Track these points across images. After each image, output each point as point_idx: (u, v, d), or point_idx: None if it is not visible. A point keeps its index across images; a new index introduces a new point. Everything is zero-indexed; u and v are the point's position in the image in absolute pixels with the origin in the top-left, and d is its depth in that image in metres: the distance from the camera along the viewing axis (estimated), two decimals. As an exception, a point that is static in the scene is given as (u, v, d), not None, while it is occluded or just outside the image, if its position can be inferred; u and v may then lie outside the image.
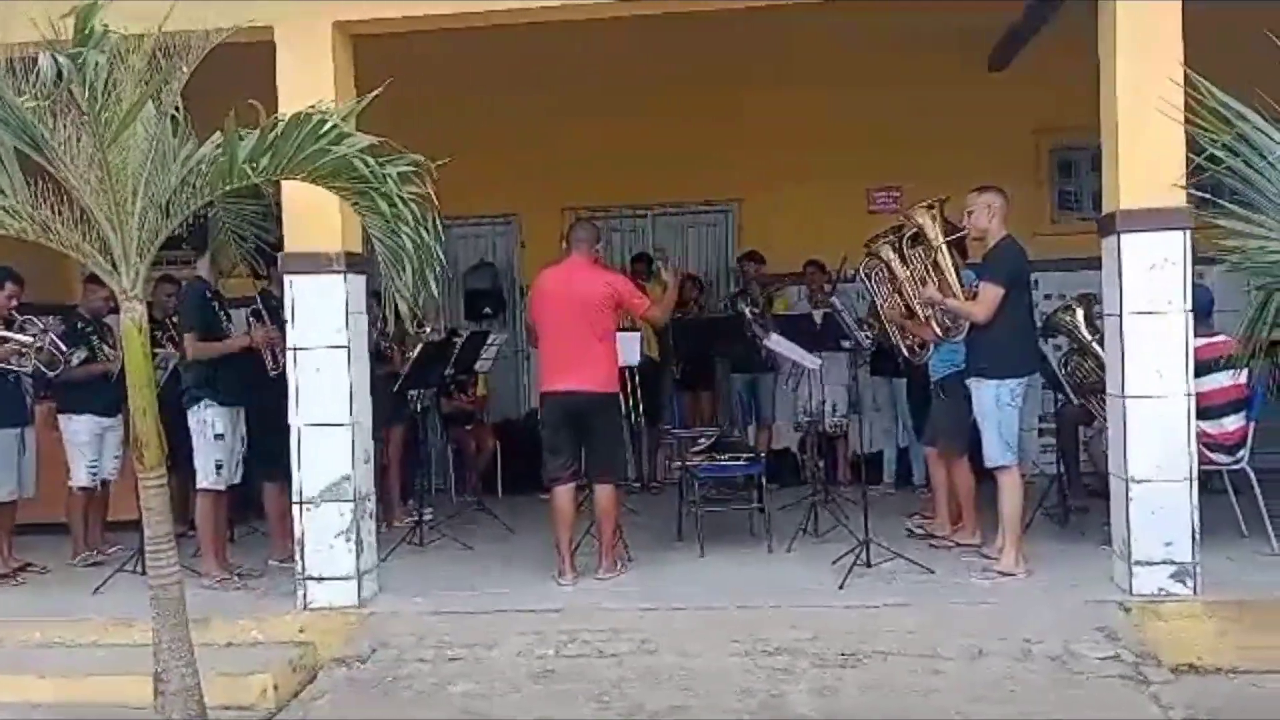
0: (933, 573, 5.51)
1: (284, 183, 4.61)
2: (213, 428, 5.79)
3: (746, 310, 7.64)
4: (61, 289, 8.07)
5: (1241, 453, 5.81)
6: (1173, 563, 4.87)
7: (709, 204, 9.34)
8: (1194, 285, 4.91)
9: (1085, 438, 6.72)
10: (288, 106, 4.41)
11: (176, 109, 4.00)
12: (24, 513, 6.53)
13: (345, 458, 5.28)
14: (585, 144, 8.46)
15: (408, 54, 5.82)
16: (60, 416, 6.56)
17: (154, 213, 3.98)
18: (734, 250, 9.13)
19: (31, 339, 6.22)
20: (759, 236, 8.79)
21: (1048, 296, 7.66)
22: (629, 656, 4.73)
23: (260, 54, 5.08)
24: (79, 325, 6.57)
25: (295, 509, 5.34)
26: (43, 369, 6.28)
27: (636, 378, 7.62)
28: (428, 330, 7.18)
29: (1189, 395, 4.87)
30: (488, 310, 9.41)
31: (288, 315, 5.32)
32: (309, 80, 5.04)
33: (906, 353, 6.23)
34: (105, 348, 6.51)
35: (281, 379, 5.42)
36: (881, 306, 6.23)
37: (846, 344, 6.57)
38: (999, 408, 5.42)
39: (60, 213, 3.93)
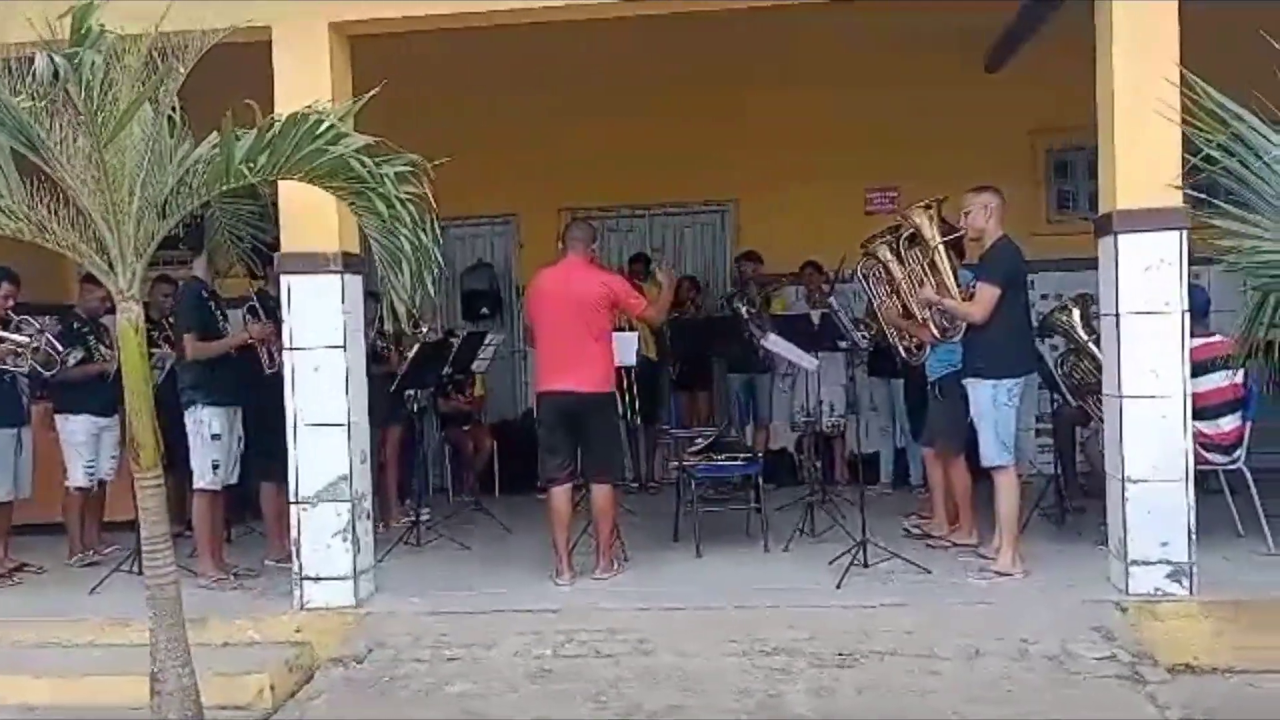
0: (930, 573, 5.52)
1: (281, 183, 4.61)
2: (209, 428, 5.79)
3: (743, 310, 7.64)
4: (58, 289, 8.06)
5: (1238, 453, 5.82)
6: (1169, 563, 4.88)
7: (706, 204, 9.34)
8: (1190, 285, 4.92)
9: (1082, 438, 6.72)
10: (285, 107, 4.41)
11: (173, 109, 4.00)
12: (20, 513, 6.53)
13: (342, 458, 5.28)
14: (583, 144, 8.46)
15: (405, 54, 5.83)
16: (57, 417, 6.55)
17: (151, 213, 3.98)
18: (731, 250, 9.13)
19: (28, 339, 6.22)
20: (756, 237, 8.79)
21: (1044, 297, 7.68)
22: (626, 656, 4.73)
23: (257, 54, 5.08)
24: (75, 325, 6.57)
25: (292, 509, 5.33)
26: (39, 369, 6.27)
27: (633, 378, 7.62)
28: (424, 330, 7.18)
29: (1185, 395, 4.87)
30: (485, 310, 9.42)
31: (284, 315, 5.32)
32: (306, 80, 5.04)
33: (904, 353, 6.24)
34: (102, 348, 6.50)
35: (278, 379, 5.41)
36: (879, 307, 6.24)
37: (844, 344, 6.58)
38: (996, 408, 5.43)
39: (57, 213, 3.93)
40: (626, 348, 6.39)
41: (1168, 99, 4.12)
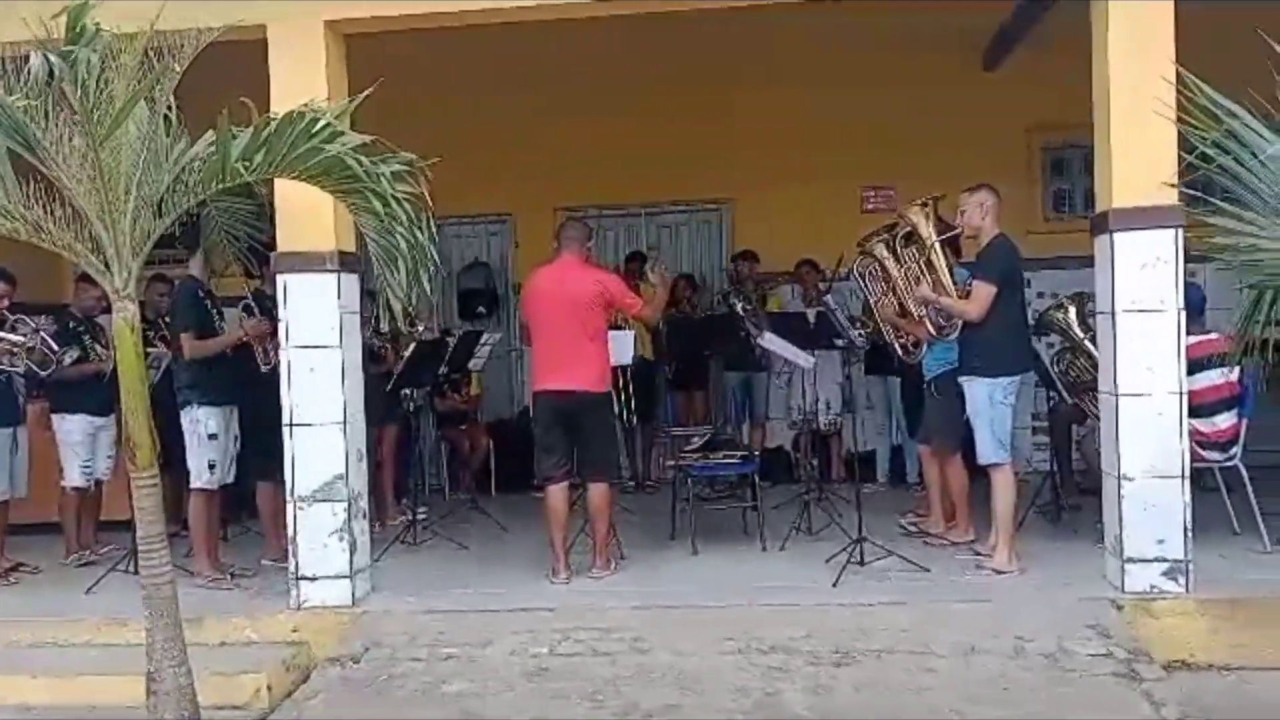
0: (926, 571, 5.52)
1: (277, 181, 4.60)
2: (206, 427, 5.77)
3: (739, 306, 7.64)
4: (54, 288, 8.04)
5: (1234, 450, 5.83)
6: (1165, 560, 4.88)
7: (703, 203, 9.34)
8: (1186, 283, 4.92)
9: (1078, 435, 6.73)
10: (280, 106, 4.41)
11: (169, 108, 3.99)
12: (16, 513, 6.51)
13: (339, 457, 5.28)
14: (579, 143, 8.46)
15: (401, 53, 5.82)
16: (54, 416, 6.54)
17: (147, 212, 3.97)
18: (727, 249, 9.14)
19: (23, 339, 6.21)
20: (753, 236, 8.79)
21: (1040, 295, 7.69)
22: (623, 655, 4.73)
23: (253, 53, 5.07)
24: (71, 325, 6.55)
25: (288, 508, 5.33)
26: (35, 368, 6.27)
27: (629, 377, 7.62)
28: (421, 329, 7.18)
29: (1182, 393, 4.88)
30: (481, 309, 9.42)
31: (281, 314, 5.31)
32: (302, 79, 5.03)
33: (900, 351, 6.24)
34: (98, 347, 6.49)
35: (274, 378, 5.41)
36: (875, 305, 6.24)
37: (840, 342, 6.59)
38: (992, 406, 5.43)
39: (52, 212, 3.93)
40: (624, 346, 6.39)
41: (1164, 97, 4.13)
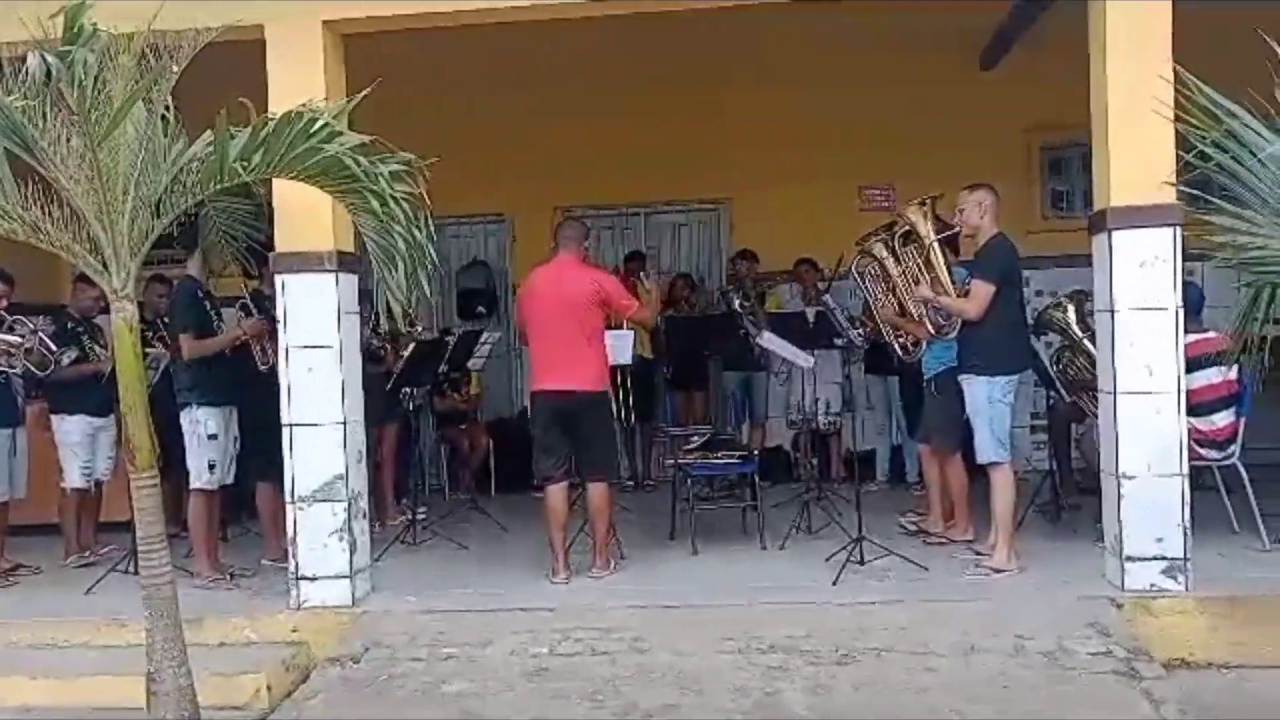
0: (926, 570, 5.52)
1: (275, 181, 4.60)
2: (205, 428, 5.77)
3: (736, 302, 7.64)
4: (52, 289, 8.04)
5: (1232, 448, 5.83)
6: (1164, 558, 4.88)
7: (701, 202, 9.34)
8: (1184, 282, 4.93)
9: (1077, 434, 6.73)
10: (278, 106, 4.41)
11: (167, 108, 3.99)
12: (16, 514, 6.50)
13: (338, 457, 5.27)
14: (577, 143, 8.46)
15: (399, 53, 5.82)
16: (53, 417, 6.53)
17: (145, 212, 3.97)
18: (727, 249, 9.14)
19: (21, 339, 6.20)
20: (752, 235, 8.79)
21: (1039, 293, 7.70)
22: (623, 655, 4.73)
23: (251, 53, 5.07)
24: (69, 325, 6.55)
25: (288, 508, 5.33)
26: (33, 369, 6.26)
27: (629, 376, 7.62)
28: (419, 329, 7.18)
29: (1180, 391, 4.88)
30: (480, 309, 9.42)
31: (279, 315, 5.31)
32: (300, 79, 5.03)
33: (900, 351, 6.24)
34: (96, 348, 6.49)
35: (273, 378, 5.40)
36: (875, 304, 6.24)
37: (839, 342, 6.58)
38: (991, 404, 5.43)
39: (50, 213, 3.93)
40: (623, 346, 6.39)
41: (1161, 96, 4.13)
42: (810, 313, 7.33)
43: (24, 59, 3.59)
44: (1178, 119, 3.58)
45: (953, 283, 5.73)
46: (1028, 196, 8.63)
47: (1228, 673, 4.60)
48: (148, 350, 5.71)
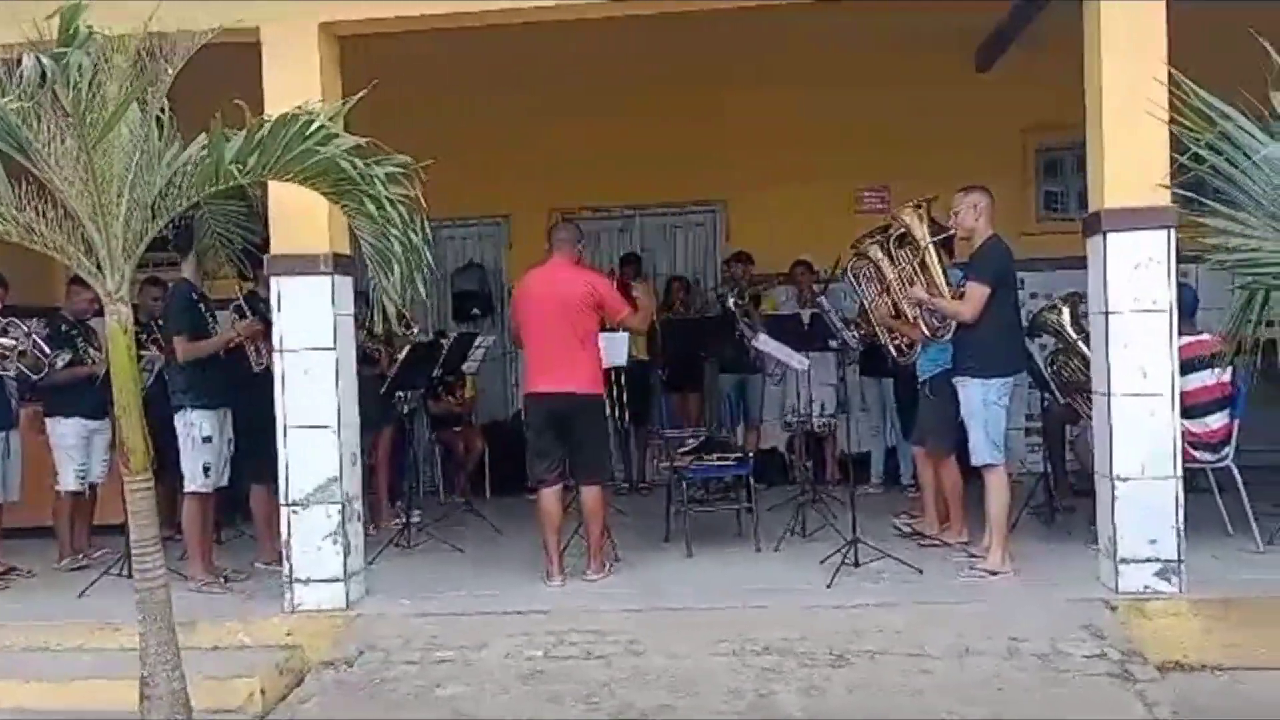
0: (920, 572, 5.53)
1: (271, 184, 4.60)
2: (200, 430, 5.76)
3: (731, 301, 7.66)
4: (46, 292, 8.02)
5: (1226, 450, 5.84)
6: (1158, 560, 4.89)
7: (697, 204, 9.34)
8: (1178, 284, 4.94)
9: (1071, 436, 6.74)
10: (274, 108, 4.41)
11: (162, 110, 3.99)
12: (9, 516, 6.49)
13: (333, 460, 5.27)
14: (573, 145, 8.46)
15: (394, 55, 5.82)
16: (48, 420, 6.52)
17: (139, 214, 3.97)
18: (722, 251, 9.14)
19: (15, 342, 6.19)
20: (747, 237, 8.79)
21: (1034, 296, 7.70)
22: (617, 657, 4.72)
23: (246, 55, 5.06)
24: (63, 328, 6.53)
25: (282, 511, 5.32)
26: (27, 372, 6.25)
27: (624, 378, 7.62)
28: (415, 331, 7.17)
29: (1174, 394, 4.89)
30: (476, 311, 9.42)
31: (274, 317, 5.30)
32: (295, 81, 5.03)
33: (895, 353, 6.25)
34: (90, 350, 6.47)
35: (268, 381, 5.40)
36: (870, 306, 6.25)
37: (834, 344, 6.59)
38: (986, 407, 5.44)
39: (44, 215, 3.92)
40: (617, 348, 6.39)
41: (1156, 98, 4.14)
42: (805, 315, 7.35)
43: (19, 60, 3.58)
44: (1173, 121, 3.59)
45: (948, 285, 5.74)
46: (1022, 198, 8.65)
47: (1221, 675, 4.60)
48: (142, 353, 5.70)
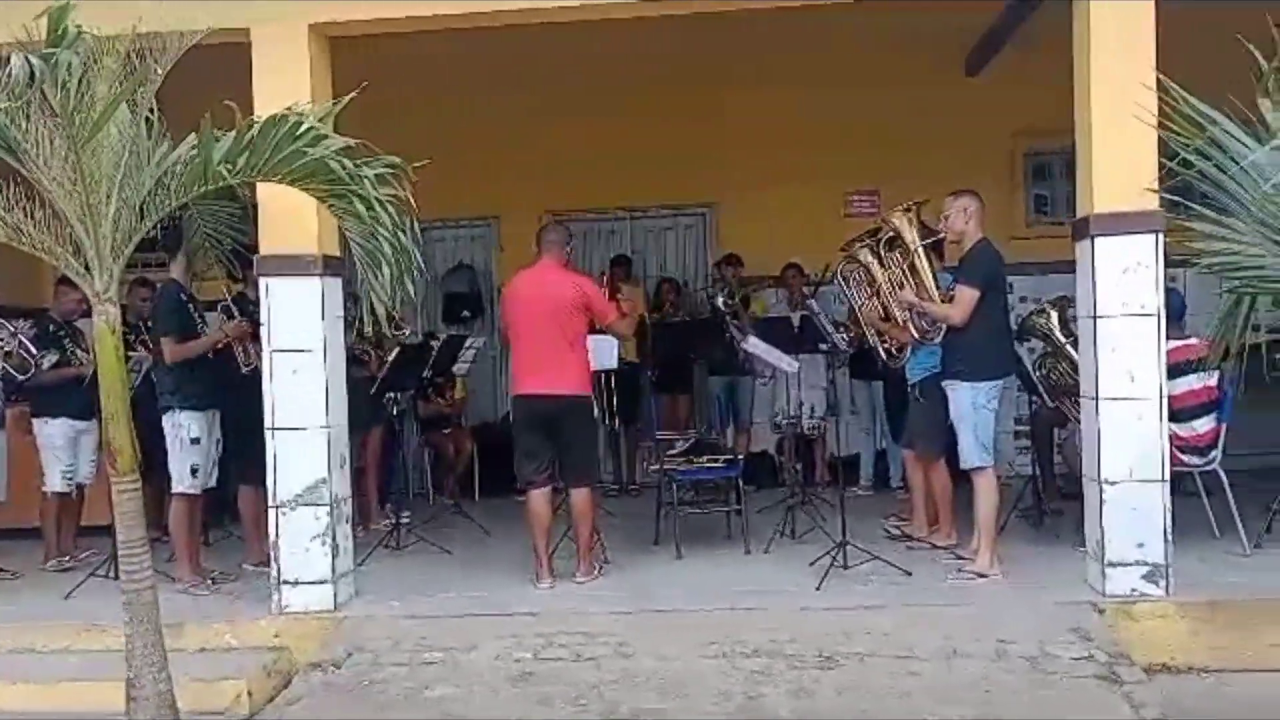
0: (909, 574, 5.54)
1: (260, 184, 4.59)
2: (188, 431, 5.74)
3: (721, 301, 7.65)
4: (33, 292, 7.98)
5: (1213, 454, 5.86)
6: (1145, 564, 4.91)
7: (688, 207, 9.35)
8: (1166, 288, 4.96)
9: (1059, 440, 6.76)
10: (264, 109, 4.39)
11: (151, 110, 3.98)
12: (-5, 517, 6.48)
13: (321, 461, 5.25)
14: (563, 147, 8.46)
15: (384, 56, 5.81)
16: (35, 420, 6.49)
17: (128, 214, 3.96)
18: (712, 253, 9.15)
19: (1, 342, 6.16)
20: (737, 239, 8.80)
21: (1023, 299, 7.72)
22: (606, 659, 4.72)
23: (237, 56, 5.05)
24: (50, 328, 6.50)
25: (270, 512, 5.30)
26: (13, 372, 6.22)
27: (614, 380, 7.61)
28: (406, 332, 7.16)
29: (1162, 397, 4.91)
30: (466, 313, 9.40)
31: (264, 318, 5.28)
32: (285, 82, 5.01)
33: (885, 356, 6.26)
34: (78, 351, 6.45)
35: (256, 381, 5.38)
36: (859, 309, 6.25)
37: (824, 346, 6.60)
38: (975, 410, 5.45)
39: (32, 215, 3.91)
40: (607, 351, 6.38)
41: (1145, 103, 4.16)
42: (795, 317, 7.36)
43: (7, 60, 3.57)
44: (1161, 126, 3.61)
45: (937, 288, 5.76)
46: (1012, 202, 8.67)
47: (1208, 677, 4.62)
48: (130, 354, 5.68)
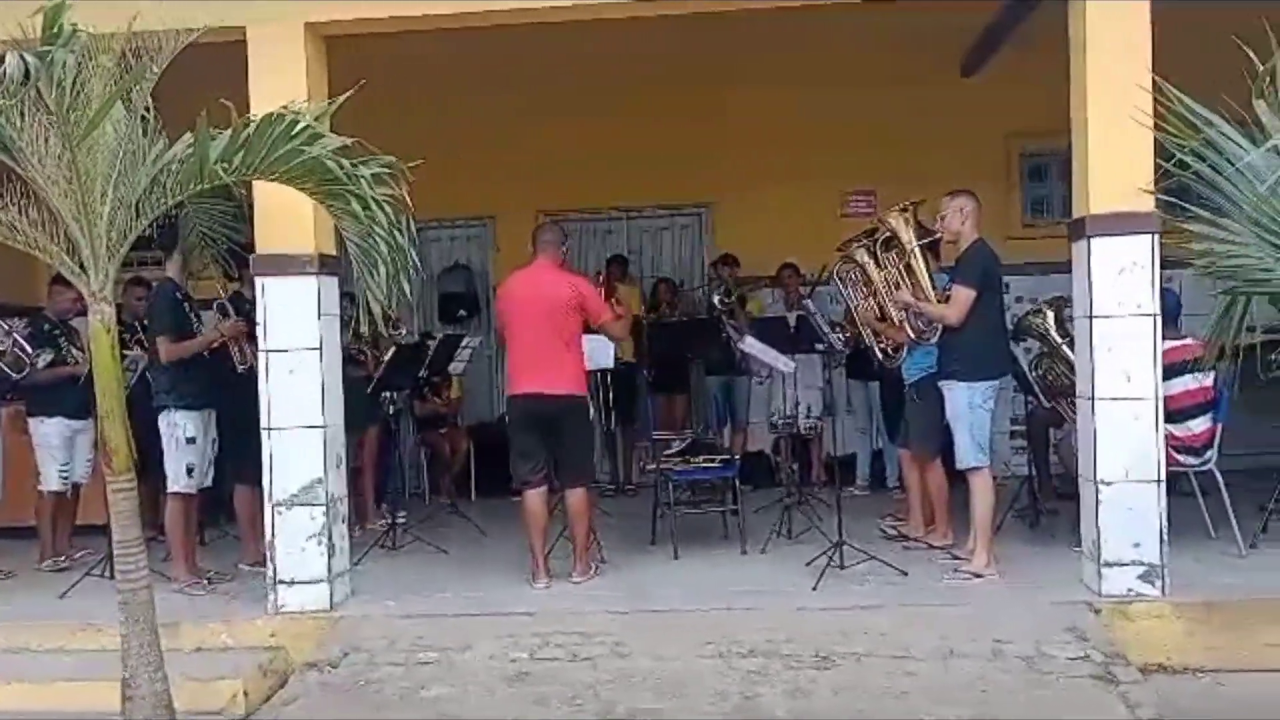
0: (905, 574, 5.54)
1: (256, 183, 4.58)
2: (184, 431, 5.73)
3: (718, 300, 7.64)
4: (28, 291, 7.97)
5: (1209, 454, 5.87)
6: (1141, 564, 4.92)
7: (684, 207, 9.35)
8: (1162, 289, 4.97)
9: (1055, 440, 6.77)
10: (260, 107, 4.39)
11: (147, 109, 3.98)
12: (-11, 517, 6.46)
13: (318, 460, 5.25)
14: (560, 146, 8.46)
15: (380, 55, 5.80)
16: (30, 420, 6.48)
17: (123, 213, 3.95)
18: (709, 253, 9.15)
19: (-4, 341, 6.16)
20: (734, 239, 8.80)
21: (1019, 299, 7.73)
22: (603, 659, 4.72)
23: (233, 54, 5.04)
24: (46, 327, 6.49)
25: (267, 512, 5.30)
26: (8, 371, 6.21)
27: (610, 380, 7.61)
28: (403, 331, 7.15)
29: (1158, 398, 4.92)
30: (462, 313, 9.40)
31: (260, 317, 5.28)
32: (281, 81, 5.00)
33: (881, 356, 6.26)
34: (73, 350, 6.44)
35: (252, 381, 5.37)
36: (855, 309, 6.26)
37: (821, 346, 6.60)
38: (971, 410, 5.46)
39: (27, 213, 3.90)
40: (603, 351, 6.38)
41: (1141, 104, 4.16)
42: (792, 317, 7.36)
43: (2, 58, 3.56)
44: (1157, 126, 3.62)
45: (934, 288, 5.76)
46: (1008, 203, 8.68)
47: (1203, 677, 4.63)
48: (125, 353, 5.67)
